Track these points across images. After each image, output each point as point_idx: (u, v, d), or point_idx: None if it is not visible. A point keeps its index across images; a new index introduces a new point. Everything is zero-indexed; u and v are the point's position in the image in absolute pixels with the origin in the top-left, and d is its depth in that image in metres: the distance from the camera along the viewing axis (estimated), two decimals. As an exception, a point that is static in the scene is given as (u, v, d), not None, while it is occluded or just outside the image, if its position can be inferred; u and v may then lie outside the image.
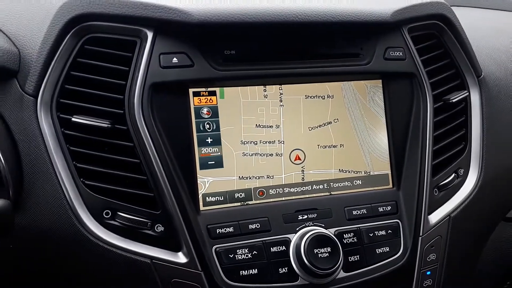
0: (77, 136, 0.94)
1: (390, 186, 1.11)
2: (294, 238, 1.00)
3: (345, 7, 1.03)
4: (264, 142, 1.03)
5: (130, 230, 0.94)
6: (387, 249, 1.06)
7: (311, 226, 1.02)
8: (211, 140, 1.00)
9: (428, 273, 1.11)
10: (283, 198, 1.04)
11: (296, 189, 1.05)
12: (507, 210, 1.40)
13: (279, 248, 0.99)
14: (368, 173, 1.10)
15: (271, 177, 1.04)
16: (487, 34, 1.45)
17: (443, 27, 1.16)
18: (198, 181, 0.99)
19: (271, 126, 1.04)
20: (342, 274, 1.01)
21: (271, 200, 1.03)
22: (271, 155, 1.04)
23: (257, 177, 1.03)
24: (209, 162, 1.00)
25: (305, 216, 1.03)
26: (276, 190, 1.04)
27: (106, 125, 0.93)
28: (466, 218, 1.16)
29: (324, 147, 1.07)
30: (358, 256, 1.03)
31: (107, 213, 0.94)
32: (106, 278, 0.98)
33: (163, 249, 0.95)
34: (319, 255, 0.97)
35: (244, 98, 1.02)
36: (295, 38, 1.04)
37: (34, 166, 0.92)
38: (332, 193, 1.07)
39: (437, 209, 1.13)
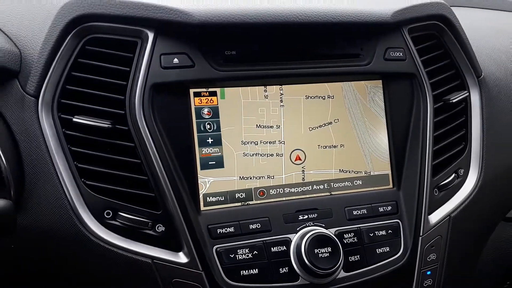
0: (78, 137, 0.94)
1: (391, 186, 1.11)
2: (294, 238, 1.00)
3: (345, 8, 1.03)
4: (264, 142, 1.03)
5: (131, 230, 0.94)
6: (388, 249, 1.06)
7: (312, 226, 1.02)
8: (212, 140, 1.00)
9: (428, 273, 1.11)
10: (284, 198, 1.04)
11: (296, 189, 1.05)
12: (507, 210, 1.41)
13: (280, 248, 0.99)
14: (369, 173, 1.10)
15: (272, 177, 1.04)
16: (487, 35, 1.45)
17: (443, 27, 1.17)
18: (199, 181, 0.99)
19: (271, 127, 1.04)
20: (342, 274, 1.02)
21: (272, 200, 1.04)
22: (272, 155, 1.04)
23: (258, 177, 1.03)
24: (209, 162, 1.00)
25: (306, 216, 1.03)
26: (277, 190, 1.04)
27: (107, 126, 0.93)
28: (466, 218, 1.16)
29: (324, 147, 1.07)
30: (358, 256, 1.03)
31: (108, 213, 0.94)
32: (107, 278, 0.98)
33: (164, 249, 0.95)
34: (320, 255, 0.98)
35: (245, 99, 1.02)
36: (295, 39, 1.04)
37: (35, 166, 0.92)
38: (333, 193, 1.07)
39: (437, 209, 1.13)
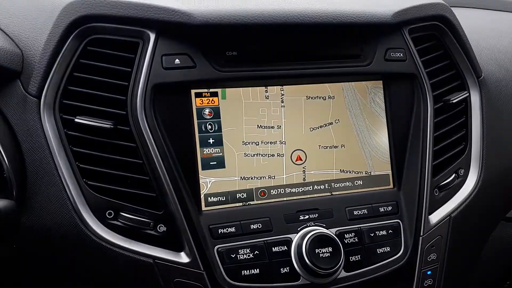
0: (80, 137, 0.94)
1: (391, 186, 1.12)
2: (295, 238, 1.01)
3: (346, 9, 1.03)
4: (265, 143, 1.04)
5: (133, 230, 0.95)
6: (388, 249, 1.06)
7: (313, 226, 1.03)
8: (213, 140, 1.00)
9: (429, 272, 1.11)
10: (285, 199, 1.05)
11: (297, 190, 1.05)
12: (507, 210, 1.41)
13: (281, 248, 1.00)
14: (369, 174, 1.10)
15: (273, 177, 1.04)
16: (487, 35, 1.45)
17: (443, 28, 1.17)
18: (200, 182, 0.99)
19: (272, 127, 1.04)
20: (343, 274, 1.02)
21: (273, 200, 1.04)
22: (273, 155, 1.04)
23: (259, 178, 1.03)
24: (211, 163, 1.00)
25: (307, 216, 1.03)
26: (278, 191, 1.04)
27: (108, 126, 0.93)
28: (466, 218, 1.17)
29: (325, 147, 1.07)
30: (359, 256, 1.04)
31: (109, 213, 0.94)
32: (109, 277, 0.98)
33: (166, 249, 0.96)
34: (321, 255, 0.98)
35: (246, 99, 1.03)
36: (296, 39, 1.05)
37: (38, 166, 0.93)
38: (333, 193, 1.08)
39: (437, 209, 1.13)
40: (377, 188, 1.10)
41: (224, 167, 1.01)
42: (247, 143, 1.03)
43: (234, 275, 0.97)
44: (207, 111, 1.00)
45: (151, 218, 0.95)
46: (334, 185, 1.08)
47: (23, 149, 0.93)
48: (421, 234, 1.09)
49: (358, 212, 1.06)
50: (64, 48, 0.93)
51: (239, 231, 0.99)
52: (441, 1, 1.17)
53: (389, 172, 1.12)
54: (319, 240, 0.99)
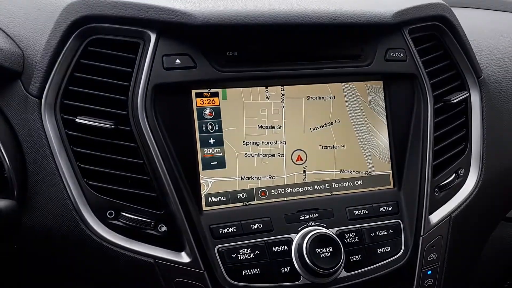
0: (80, 137, 0.94)
1: (391, 186, 1.12)
2: (296, 238, 1.01)
3: (346, 9, 1.04)
4: (266, 143, 1.04)
5: (134, 230, 0.95)
6: (388, 249, 1.06)
7: (313, 226, 1.03)
8: (214, 140, 1.01)
9: (429, 272, 1.12)
10: (285, 198, 1.05)
11: (298, 190, 1.06)
12: (508, 210, 1.41)
13: (281, 248, 1.00)
14: (369, 174, 1.10)
15: (273, 177, 1.04)
16: (487, 35, 1.46)
17: (443, 28, 1.17)
18: (200, 182, 0.99)
19: (273, 127, 1.04)
20: (343, 273, 1.02)
21: (273, 200, 1.04)
22: (273, 155, 1.04)
23: (259, 178, 1.03)
24: (211, 163, 1.00)
25: (307, 216, 1.04)
26: (278, 191, 1.04)
27: (109, 126, 0.93)
28: (466, 218, 1.17)
29: (325, 147, 1.08)
30: (359, 255, 1.04)
31: (110, 213, 0.94)
32: (109, 277, 0.98)
33: (166, 249, 0.96)
34: (321, 254, 0.98)
35: (246, 99, 1.03)
36: (297, 40, 1.05)
37: (39, 166, 0.93)
38: (334, 193, 1.08)
39: (438, 209, 1.14)
40: (377, 188, 1.11)
41: (224, 167, 1.01)
42: (247, 143, 1.03)
43: (234, 275, 0.97)
44: (207, 111, 1.01)
45: (152, 218, 0.95)
46: (334, 185, 1.08)
47: (24, 149, 0.93)
48: (422, 234, 1.09)
49: (358, 212, 1.06)
50: (65, 48, 0.93)
51: (239, 231, 0.99)
52: (441, 1, 1.18)
53: (390, 172, 1.12)
54: (320, 240, 0.99)
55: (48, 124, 0.93)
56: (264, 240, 0.99)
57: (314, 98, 1.07)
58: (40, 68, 0.93)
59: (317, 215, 1.04)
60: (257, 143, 1.03)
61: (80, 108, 0.95)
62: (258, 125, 1.03)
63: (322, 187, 1.07)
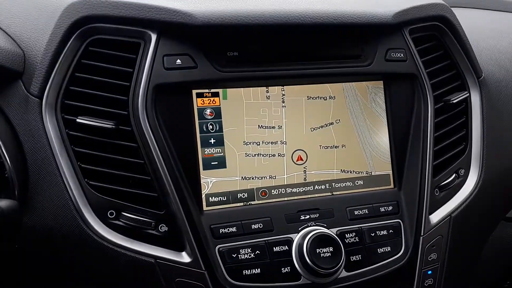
0: (81, 137, 0.94)
1: (392, 186, 1.12)
2: (296, 238, 1.01)
3: (347, 9, 1.04)
4: (266, 143, 1.04)
5: (134, 230, 0.95)
6: (389, 249, 1.06)
7: (313, 226, 1.03)
8: (214, 140, 1.01)
9: (429, 272, 1.12)
10: (286, 198, 1.05)
11: (298, 190, 1.06)
12: (508, 210, 1.41)
13: (282, 248, 1.00)
14: (370, 174, 1.10)
15: (274, 177, 1.04)
16: (487, 35, 1.46)
17: (443, 28, 1.17)
18: (201, 182, 0.99)
19: (273, 127, 1.05)
20: (344, 273, 1.02)
21: (274, 200, 1.04)
22: (274, 155, 1.04)
23: (260, 178, 1.03)
24: (212, 163, 1.00)
25: (307, 216, 1.04)
26: (279, 191, 1.05)
27: (110, 126, 0.93)
28: (466, 218, 1.17)
29: (326, 147, 1.08)
30: (360, 255, 1.04)
31: (111, 213, 0.94)
32: (110, 277, 0.98)
33: (167, 249, 0.96)
34: (321, 254, 0.98)
35: (247, 99, 1.03)
36: (297, 40, 1.05)
37: (39, 166, 0.93)
38: (334, 193, 1.08)
39: (438, 209, 1.14)
40: (377, 188, 1.11)
41: (225, 167, 1.01)
42: (248, 143, 1.03)
43: (235, 274, 0.97)
44: (208, 111, 1.01)
45: (153, 218, 0.95)
46: (335, 185, 1.08)
47: (25, 149, 0.93)
48: (422, 234, 1.09)
49: (358, 212, 1.07)
50: (66, 48, 0.94)
51: (240, 231, 0.99)
52: (441, 2, 1.18)
53: (390, 172, 1.12)
54: (320, 240, 0.99)
55: (49, 124, 0.93)
56: (264, 240, 1.00)
57: (314, 98, 1.07)
58: (41, 68, 0.93)
59: (317, 215, 1.04)
60: (258, 143, 1.03)
61: (81, 108, 0.95)
62: (259, 125, 1.04)
63: (323, 187, 1.07)
